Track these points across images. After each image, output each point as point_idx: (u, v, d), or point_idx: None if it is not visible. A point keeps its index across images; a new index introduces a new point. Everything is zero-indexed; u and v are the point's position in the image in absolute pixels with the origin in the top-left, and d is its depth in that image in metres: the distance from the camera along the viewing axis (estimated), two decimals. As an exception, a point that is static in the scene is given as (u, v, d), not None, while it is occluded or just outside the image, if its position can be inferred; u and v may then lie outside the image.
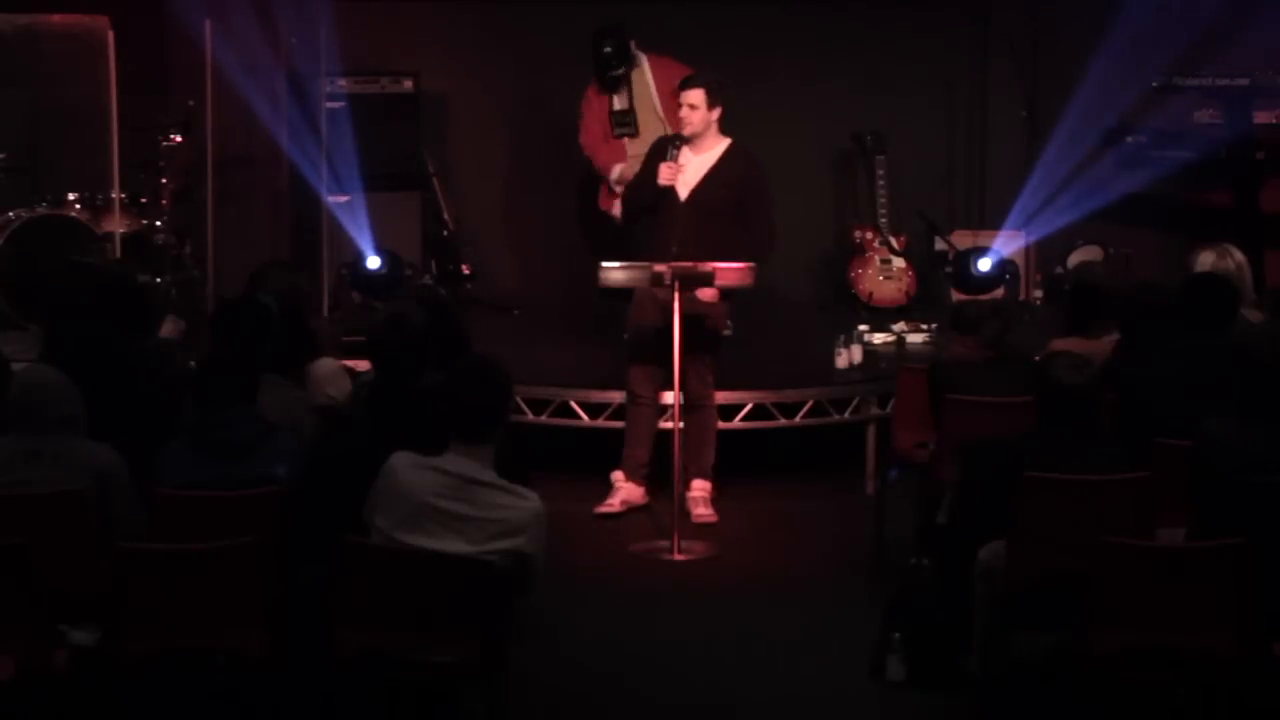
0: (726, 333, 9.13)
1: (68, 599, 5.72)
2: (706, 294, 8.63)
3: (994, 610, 6.16)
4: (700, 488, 8.94)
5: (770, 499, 9.32)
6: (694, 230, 8.61)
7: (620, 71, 10.50)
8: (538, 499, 5.66)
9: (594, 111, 10.60)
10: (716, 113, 8.81)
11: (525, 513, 5.57)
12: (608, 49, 10.49)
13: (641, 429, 8.97)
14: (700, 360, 8.80)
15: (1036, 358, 7.32)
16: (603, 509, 8.87)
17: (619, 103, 10.55)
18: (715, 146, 8.85)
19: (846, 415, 9.47)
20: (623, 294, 9.07)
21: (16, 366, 7.02)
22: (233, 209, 11.62)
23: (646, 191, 8.85)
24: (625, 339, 9.09)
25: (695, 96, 8.76)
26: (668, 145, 8.81)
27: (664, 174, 8.71)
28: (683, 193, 8.76)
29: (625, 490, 8.95)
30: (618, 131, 10.50)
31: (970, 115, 12.73)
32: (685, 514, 8.64)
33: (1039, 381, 6.27)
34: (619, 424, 9.10)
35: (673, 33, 10.73)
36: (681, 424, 8.62)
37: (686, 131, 8.78)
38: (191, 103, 11.27)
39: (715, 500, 9.00)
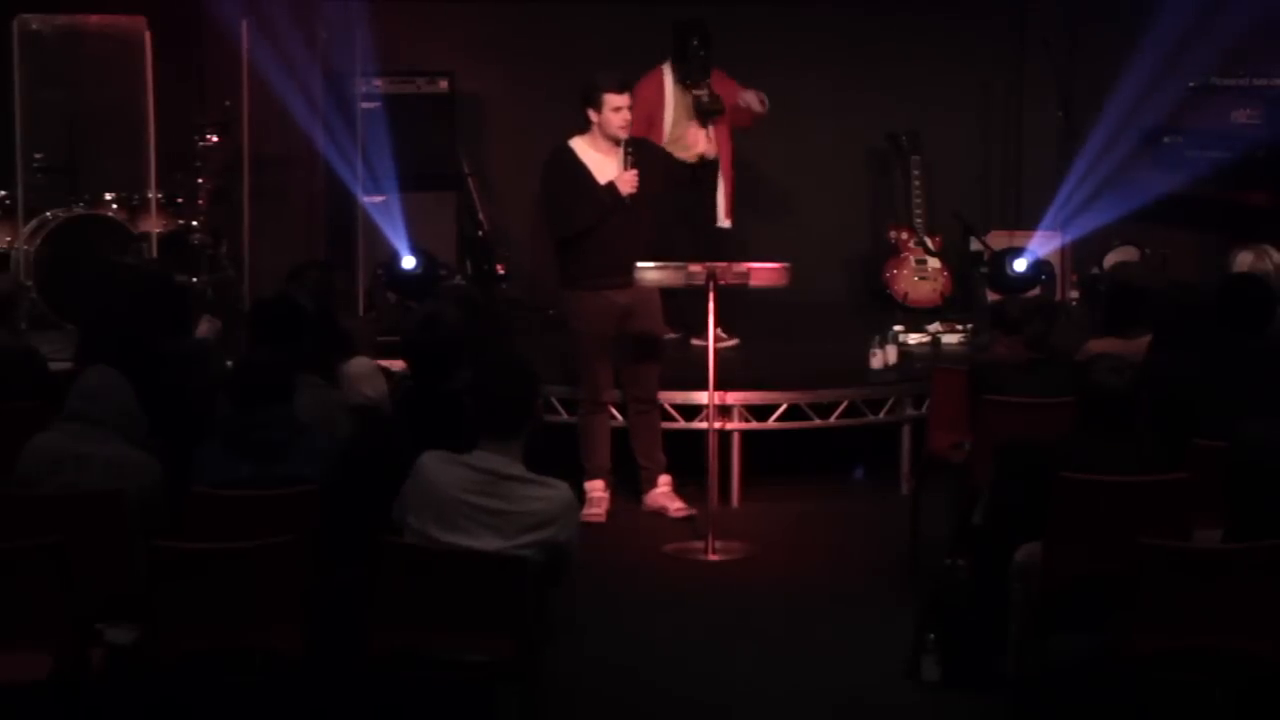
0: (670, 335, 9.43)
1: (104, 598, 5.73)
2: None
3: (1030, 611, 6.14)
4: (667, 483, 8.98)
5: (804, 499, 9.30)
6: (626, 227, 8.63)
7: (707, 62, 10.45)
8: (567, 487, 5.68)
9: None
10: None
11: (556, 503, 5.60)
12: (696, 42, 10.42)
13: (605, 433, 8.99)
14: (653, 363, 8.88)
15: (1076, 359, 7.30)
16: (591, 518, 8.53)
17: (700, 91, 10.40)
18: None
19: (881, 416, 9.45)
20: (670, 294, 9.18)
21: (56, 366, 7.07)
22: (269, 209, 11.64)
23: (589, 204, 8.66)
24: (581, 347, 8.94)
25: (631, 99, 8.79)
26: (623, 153, 8.68)
27: (627, 182, 8.58)
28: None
29: (607, 499, 8.95)
30: (709, 120, 10.35)
31: (1006, 115, 12.71)
32: (659, 511, 8.92)
33: (1080, 384, 6.24)
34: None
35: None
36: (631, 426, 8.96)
37: (630, 134, 8.75)
38: (228, 103, 11.31)
39: (744, 500, 9.15)
